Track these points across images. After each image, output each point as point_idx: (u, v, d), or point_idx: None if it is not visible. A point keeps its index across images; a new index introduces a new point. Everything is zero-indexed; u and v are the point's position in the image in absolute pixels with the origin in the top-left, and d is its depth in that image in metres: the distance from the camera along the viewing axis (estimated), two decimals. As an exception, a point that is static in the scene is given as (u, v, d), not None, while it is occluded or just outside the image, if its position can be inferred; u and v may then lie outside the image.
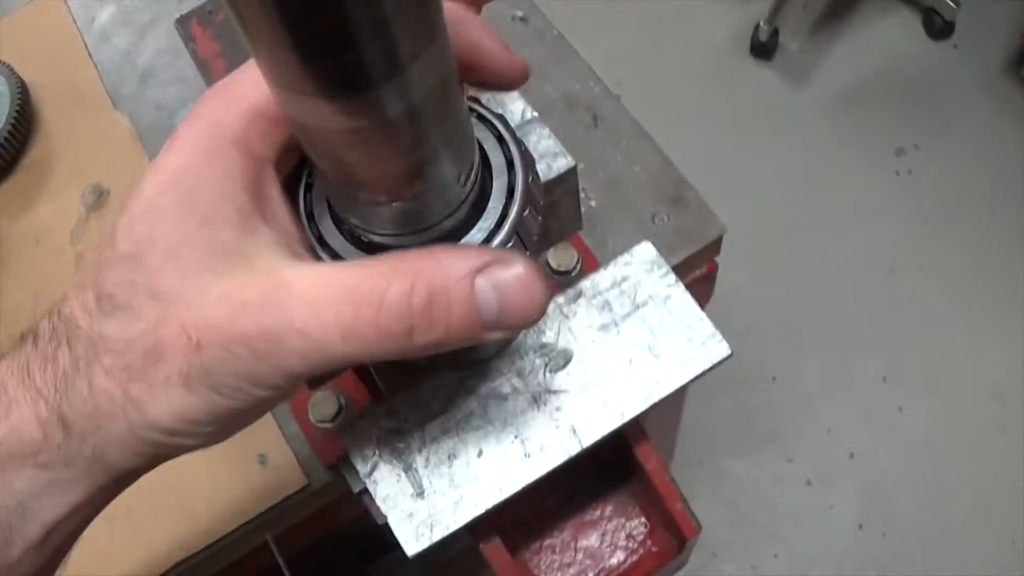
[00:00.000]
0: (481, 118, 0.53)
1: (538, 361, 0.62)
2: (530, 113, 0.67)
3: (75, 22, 1.25)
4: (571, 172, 0.66)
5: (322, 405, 0.80)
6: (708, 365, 0.61)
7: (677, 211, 0.98)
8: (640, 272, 0.64)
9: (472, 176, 0.48)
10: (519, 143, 0.52)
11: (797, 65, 2.91)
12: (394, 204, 0.45)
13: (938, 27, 2.88)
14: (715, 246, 0.99)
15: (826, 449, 2.39)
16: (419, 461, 0.61)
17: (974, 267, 2.57)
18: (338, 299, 0.43)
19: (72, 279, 1.04)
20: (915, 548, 2.27)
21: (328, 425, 0.82)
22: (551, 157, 0.66)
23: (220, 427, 0.48)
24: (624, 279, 0.63)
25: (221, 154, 0.45)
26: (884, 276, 2.57)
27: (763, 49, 2.89)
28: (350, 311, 0.42)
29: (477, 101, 0.54)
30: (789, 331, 2.52)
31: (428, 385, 0.62)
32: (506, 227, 0.49)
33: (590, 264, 0.89)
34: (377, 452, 0.61)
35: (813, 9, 2.99)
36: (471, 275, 0.43)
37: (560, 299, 0.64)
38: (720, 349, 0.61)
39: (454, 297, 0.43)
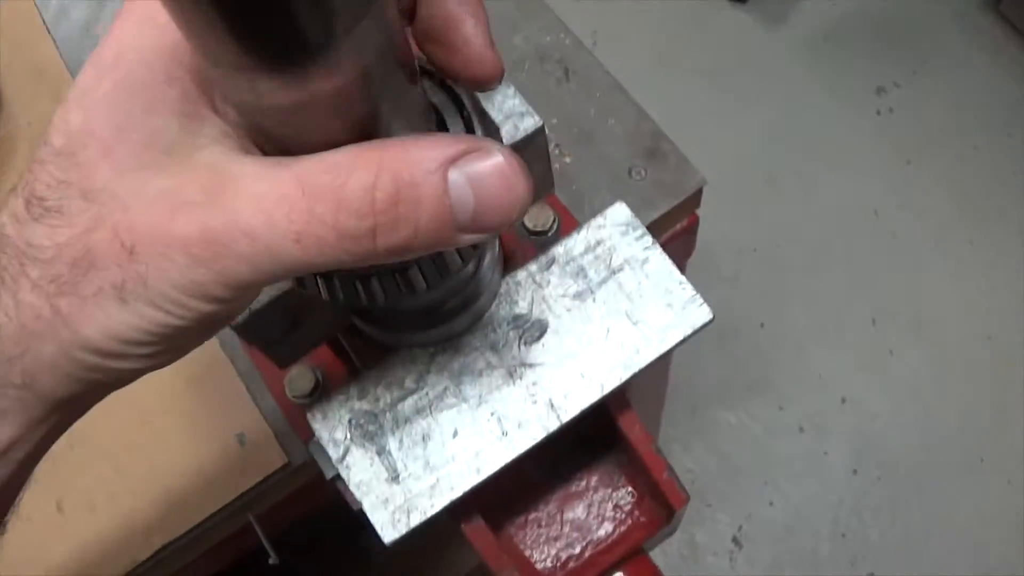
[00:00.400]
0: (441, 83, 0.50)
1: (512, 334, 0.59)
2: (494, 72, 0.64)
3: (30, -4, 1.21)
4: (539, 132, 0.63)
5: (298, 380, 0.78)
6: (689, 331, 0.58)
7: (654, 164, 0.95)
8: (615, 235, 0.61)
9: None
10: (481, 113, 0.49)
11: (772, 6, 2.86)
12: None
13: (915, -38, 2.85)
14: (695, 199, 0.97)
15: (817, 395, 2.38)
16: (392, 443, 0.58)
17: (959, 205, 2.54)
18: (291, 195, 0.37)
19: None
20: (910, 491, 2.26)
21: (305, 400, 0.79)
22: (517, 117, 0.62)
23: (163, 347, 0.42)
24: (598, 243, 0.60)
25: (168, 31, 0.39)
26: (869, 217, 2.55)
27: (738, -8, 2.85)
28: (303, 208, 0.37)
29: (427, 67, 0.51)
30: (775, 277, 2.49)
31: (398, 361, 0.60)
32: None
33: (567, 223, 0.86)
34: (349, 436, 0.58)
35: (789, -52, 2.94)
36: (444, 166, 0.37)
37: (532, 267, 0.61)
38: (701, 313, 0.59)
39: (424, 192, 0.37)
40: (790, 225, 2.55)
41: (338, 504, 0.62)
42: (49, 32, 1.18)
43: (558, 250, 0.61)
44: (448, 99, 0.49)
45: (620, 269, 0.60)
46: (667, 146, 0.96)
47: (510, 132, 0.62)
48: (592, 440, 0.70)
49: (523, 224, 0.70)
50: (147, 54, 0.40)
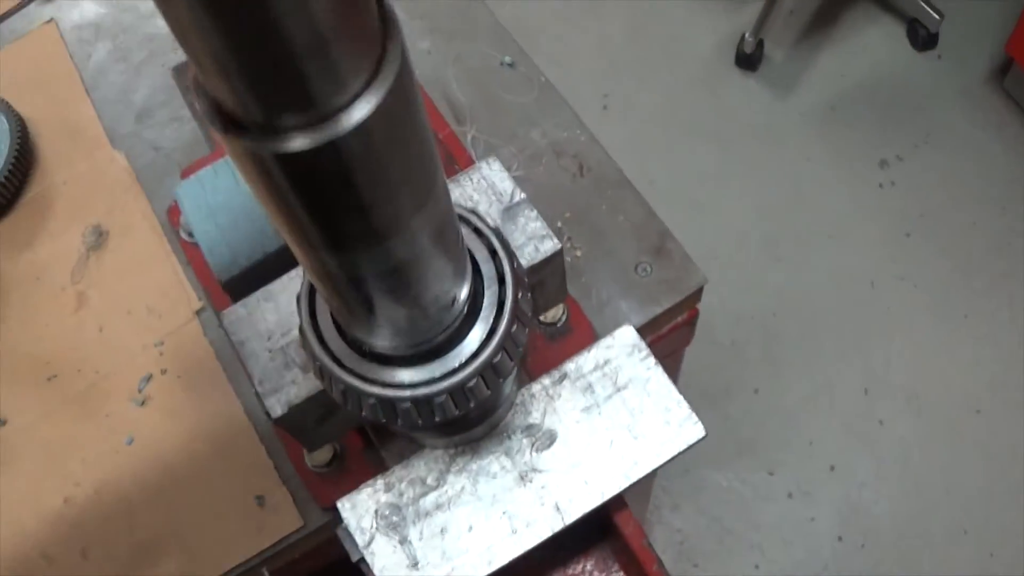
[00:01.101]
0: (477, 231, 0.56)
1: (525, 441, 0.65)
2: (519, 195, 0.71)
3: (71, 57, 1.27)
4: (557, 254, 0.70)
5: (318, 452, 0.84)
6: (684, 447, 0.65)
7: (660, 261, 1.02)
8: (622, 355, 0.67)
9: (464, 301, 0.52)
10: (511, 257, 0.56)
11: (782, 76, 2.94)
12: (392, 327, 0.49)
13: (922, 38, 2.91)
14: (696, 295, 1.03)
15: (807, 461, 2.43)
16: (414, 534, 0.64)
17: (955, 279, 2.60)
18: None
19: (72, 320, 1.07)
20: (894, 560, 2.31)
21: (324, 470, 0.86)
22: (538, 240, 0.69)
23: None
24: (607, 362, 0.67)
25: None
26: (866, 288, 2.61)
27: (748, 60, 2.91)
28: None
29: (475, 213, 0.58)
30: (772, 343, 2.55)
31: (421, 460, 0.66)
32: (494, 342, 0.53)
33: (575, 315, 0.93)
34: (375, 525, 0.65)
35: (798, 18, 3.01)
36: None
37: (546, 381, 0.67)
38: (695, 431, 0.65)
39: None
40: (788, 293, 2.61)
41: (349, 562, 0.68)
42: (88, 93, 1.25)
43: (570, 366, 0.67)
44: (480, 243, 0.56)
45: (625, 387, 0.66)
46: (672, 244, 1.02)
47: (531, 253, 0.69)
48: (590, 529, 0.76)
49: (536, 318, 0.77)
50: None
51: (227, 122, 0.36)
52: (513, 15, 3.02)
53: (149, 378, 1.05)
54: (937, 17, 2.85)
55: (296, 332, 0.65)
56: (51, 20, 1.30)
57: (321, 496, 0.90)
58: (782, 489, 2.41)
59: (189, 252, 1.00)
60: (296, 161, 0.36)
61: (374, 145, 0.36)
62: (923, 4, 2.87)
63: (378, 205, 0.40)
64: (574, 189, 1.06)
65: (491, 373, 0.55)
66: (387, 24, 0.37)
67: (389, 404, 0.54)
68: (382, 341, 0.51)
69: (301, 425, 0.70)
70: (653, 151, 2.83)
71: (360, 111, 0.35)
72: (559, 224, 1.04)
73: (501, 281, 0.55)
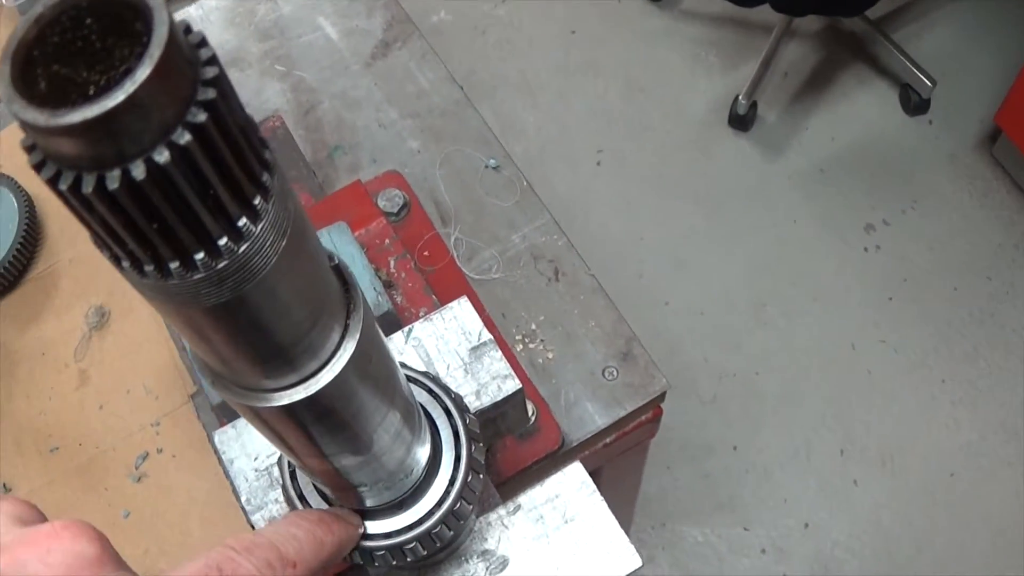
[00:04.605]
0: (432, 393, 0.64)
1: (481, 565, 0.72)
2: (486, 335, 0.78)
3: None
4: (518, 392, 0.77)
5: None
6: (623, 574, 0.72)
7: (626, 366, 1.09)
8: (571, 490, 0.74)
9: (425, 465, 0.60)
10: (463, 414, 0.63)
11: (773, 137, 3.01)
12: (363, 494, 0.57)
13: (914, 103, 2.98)
14: (660, 398, 1.10)
15: (782, 519, 2.50)
16: (374, 649, 0.71)
17: (935, 343, 2.67)
18: None
19: (75, 396, 1.14)
20: (862, 619, 2.38)
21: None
22: (501, 380, 0.76)
23: None
24: (557, 496, 0.74)
25: None
26: (847, 351, 2.67)
27: (741, 121, 2.98)
28: None
29: (430, 378, 0.65)
30: (752, 402, 2.62)
31: (385, 582, 0.73)
32: (453, 492, 0.61)
33: (544, 415, 1.00)
34: (339, 636, 0.72)
35: (792, 81, 3.08)
36: None
37: (502, 511, 0.74)
38: (633, 561, 0.72)
39: None
40: (770, 353, 2.68)
41: None
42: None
43: (523, 498, 0.74)
44: (431, 398, 0.64)
45: (572, 519, 0.73)
46: (638, 350, 1.09)
47: (493, 392, 0.76)
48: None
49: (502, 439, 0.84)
50: None
51: (222, 382, 0.44)
52: (518, 70, 3.12)
53: (145, 456, 1.12)
54: (929, 84, 2.92)
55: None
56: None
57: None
58: (756, 545, 2.47)
59: (185, 339, 1.07)
60: (279, 411, 0.43)
61: (345, 387, 0.44)
62: (915, 70, 2.94)
63: (348, 426, 0.47)
64: (549, 292, 1.13)
65: (452, 519, 0.63)
66: (349, 295, 0.44)
67: (367, 552, 0.62)
68: (353, 504, 0.59)
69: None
70: (644, 207, 2.90)
71: (329, 374, 0.43)
72: (533, 327, 1.11)
73: (456, 437, 0.63)
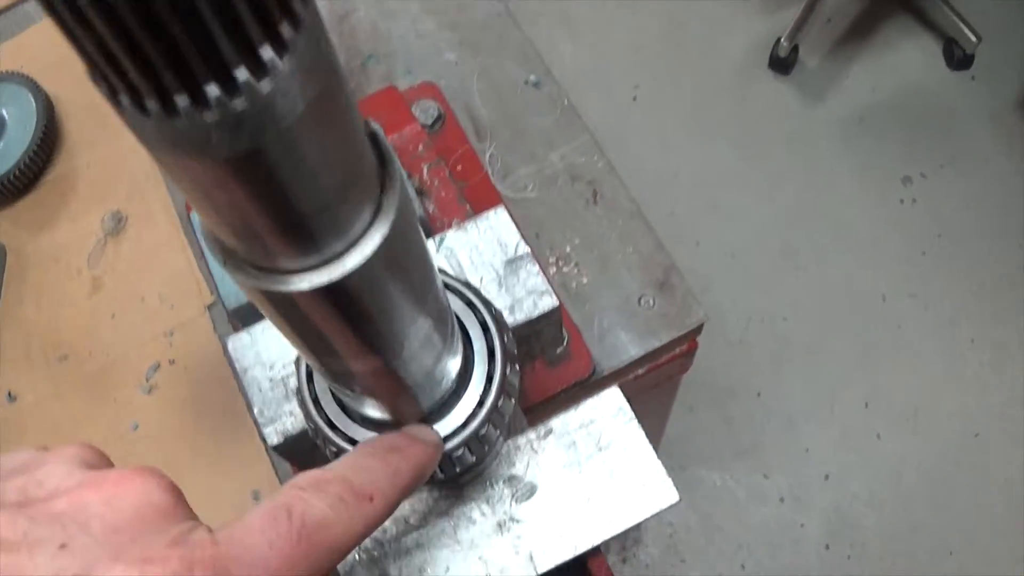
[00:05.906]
0: (470, 304, 0.59)
1: (506, 491, 0.68)
2: (523, 248, 0.73)
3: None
4: (555, 310, 0.72)
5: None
6: (657, 509, 0.67)
7: (663, 296, 1.03)
8: (606, 417, 0.69)
9: (454, 379, 0.54)
10: (501, 332, 0.58)
11: (814, 82, 2.93)
12: (383, 404, 0.52)
13: (958, 58, 2.90)
14: (696, 331, 1.05)
15: (802, 468, 2.46)
16: (393, 570, 0.67)
17: (966, 302, 2.61)
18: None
19: (87, 304, 1.10)
20: (878, 574, 2.34)
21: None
22: (538, 295, 0.71)
23: None
24: (592, 421, 0.69)
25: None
26: (877, 302, 2.62)
27: (782, 64, 2.91)
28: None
29: (469, 287, 0.60)
30: (779, 348, 2.57)
31: (406, 502, 0.68)
32: (481, 414, 0.56)
33: (576, 341, 0.95)
34: (356, 557, 0.67)
35: (835, 27, 3.00)
36: None
37: (532, 435, 0.69)
38: (670, 496, 0.67)
39: None
40: (800, 300, 2.62)
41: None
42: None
43: (556, 422, 0.69)
44: (473, 316, 0.58)
45: (607, 447, 0.68)
46: (676, 279, 1.04)
47: (529, 308, 0.71)
48: (565, 571, 0.79)
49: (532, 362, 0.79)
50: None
51: (234, 261, 0.38)
52: (558, 6, 3.04)
53: (157, 367, 1.08)
54: (974, 39, 2.83)
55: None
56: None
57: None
58: (775, 493, 2.43)
59: (204, 246, 1.02)
60: (298, 297, 0.38)
61: (373, 275, 0.39)
62: (961, 24, 2.85)
63: (376, 324, 0.42)
64: (586, 216, 1.08)
65: (477, 443, 0.58)
66: (385, 171, 0.39)
67: None
68: (373, 412, 0.54)
69: (297, 453, 0.73)
70: (679, 145, 2.84)
71: (357, 256, 0.37)
72: (568, 249, 1.06)
73: (491, 355, 0.58)
